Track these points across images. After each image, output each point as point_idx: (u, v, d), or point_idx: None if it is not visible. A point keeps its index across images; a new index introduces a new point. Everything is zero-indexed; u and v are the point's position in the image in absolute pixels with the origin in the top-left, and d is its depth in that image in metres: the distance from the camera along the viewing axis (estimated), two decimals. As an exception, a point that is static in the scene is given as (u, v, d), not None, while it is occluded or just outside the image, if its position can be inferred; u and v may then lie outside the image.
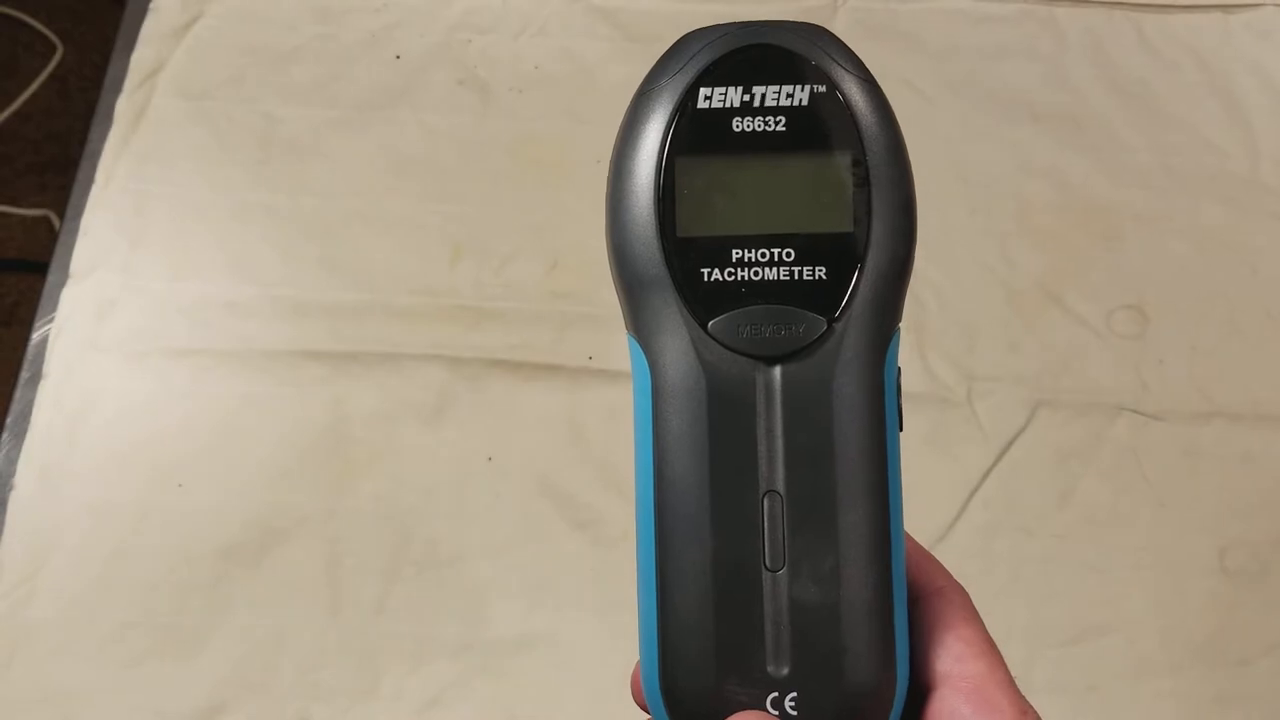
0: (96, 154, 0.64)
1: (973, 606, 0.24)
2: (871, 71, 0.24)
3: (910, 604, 0.24)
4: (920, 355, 0.59)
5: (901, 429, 0.23)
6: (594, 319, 0.60)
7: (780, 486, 0.22)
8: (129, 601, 0.53)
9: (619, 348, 0.60)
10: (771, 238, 0.23)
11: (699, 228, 0.23)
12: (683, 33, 0.25)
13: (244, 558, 0.54)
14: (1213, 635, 0.53)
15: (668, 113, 0.23)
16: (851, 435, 0.22)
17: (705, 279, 0.23)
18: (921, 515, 0.55)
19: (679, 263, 0.23)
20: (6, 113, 1.12)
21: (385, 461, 0.56)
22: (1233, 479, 0.57)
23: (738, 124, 0.23)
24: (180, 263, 0.61)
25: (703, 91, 0.23)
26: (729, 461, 0.22)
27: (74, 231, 0.62)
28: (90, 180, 0.63)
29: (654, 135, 0.23)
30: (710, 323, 0.23)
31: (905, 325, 0.66)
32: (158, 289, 0.60)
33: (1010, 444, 0.57)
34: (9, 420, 0.56)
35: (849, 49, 0.24)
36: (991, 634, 0.25)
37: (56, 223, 1.00)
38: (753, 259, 0.23)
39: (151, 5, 0.69)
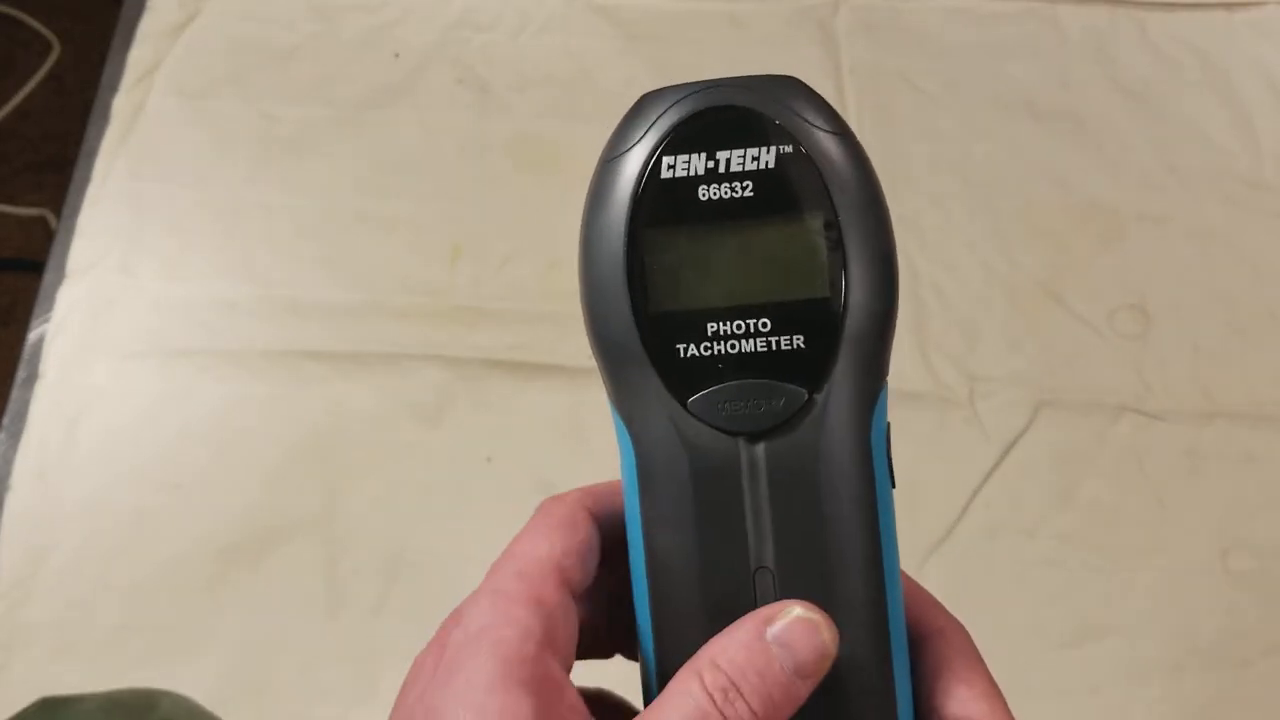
0: (93, 153, 0.64)
1: (973, 646, 0.24)
2: (845, 122, 0.23)
3: (910, 647, 0.24)
4: (922, 355, 0.59)
5: (894, 485, 0.23)
6: (594, 319, 0.59)
7: (770, 562, 0.22)
8: (127, 603, 0.52)
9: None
10: (746, 308, 0.22)
11: (672, 302, 0.22)
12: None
13: (242, 558, 0.53)
14: (1215, 637, 0.53)
15: (632, 184, 0.22)
16: (840, 504, 0.22)
17: (682, 355, 0.22)
18: (923, 516, 0.55)
19: (654, 339, 0.22)
20: (3, 111, 1.11)
21: (384, 462, 0.56)
22: (1235, 480, 0.57)
23: (704, 192, 0.22)
24: (178, 262, 0.61)
25: (665, 161, 0.22)
26: (717, 538, 0.22)
27: (71, 230, 0.61)
28: (87, 179, 0.63)
29: (619, 208, 0.22)
30: (690, 400, 0.22)
31: (907, 326, 0.65)
32: (155, 288, 0.60)
33: (1012, 444, 0.57)
34: (5, 421, 0.56)
35: (819, 100, 0.23)
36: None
37: (53, 222, 0.99)
38: (729, 331, 0.22)
39: (148, 3, 0.68)
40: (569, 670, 0.22)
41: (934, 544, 0.55)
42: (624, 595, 0.23)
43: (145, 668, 0.51)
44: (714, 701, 0.20)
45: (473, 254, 0.62)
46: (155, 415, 0.57)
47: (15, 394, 0.57)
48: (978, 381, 0.58)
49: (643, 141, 0.22)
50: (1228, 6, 0.71)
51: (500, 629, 0.21)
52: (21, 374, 0.57)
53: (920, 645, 0.24)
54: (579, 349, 0.59)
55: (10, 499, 0.54)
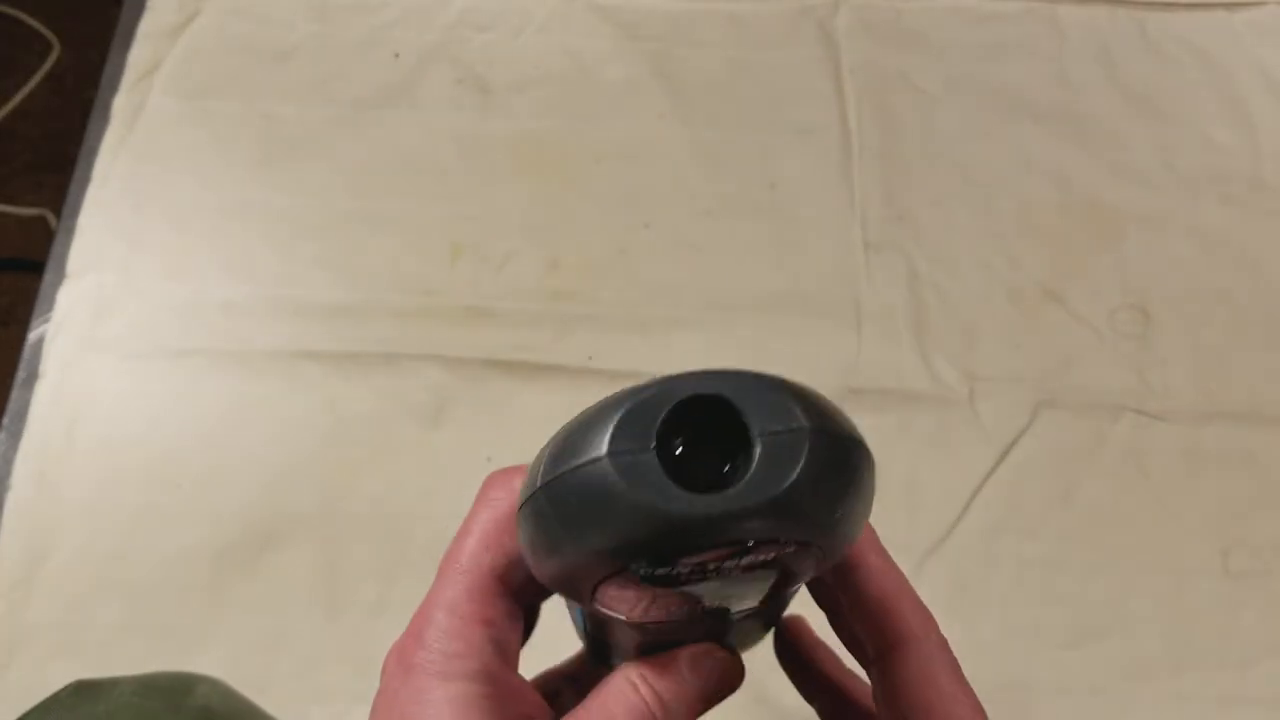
0: (93, 153, 0.64)
1: (949, 654, 0.24)
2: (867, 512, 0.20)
3: (887, 652, 0.24)
4: (922, 355, 0.59)
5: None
6: (594, 319, 0.59)
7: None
8: (126, 603, 0.52)
9: (619, 347, 0.59)
10: (710, 611, 0.22)
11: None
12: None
13: (242, 559, 0.53)
14: (1215, 637, 0.53)
15: (600, 577, 0.20)
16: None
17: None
18: (923, 516, 0.55)
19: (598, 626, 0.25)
20: (3, 111, 1.11)
21: (383, 462, 0.56)
22: (1235, 479, 0.57)
23: (691, 575, 0.19)
24: (178, 262, 0.61)
25: (660, 571, 0.19)
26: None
27: (70, 231, 0.61)
28: (87, 179, 0.63)
29: (595, 574, 0.20)
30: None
31: (907, 325, 0.65)
32: (155, 289, 0.60)
33: (1012, 444, 0.57)
34: (5, 421, 0.56)
35: (864, 493, 0.20)
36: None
37: (53, 222, 0.99)
38: (687, 613, 0.22)
39: (148, 3, 0.68)
40: (515, 665, 0.24)
41: (934, 544, 0.55)
42: None
43: (145, 668, 0.51)
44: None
45: (473, 254, 0.62)
46: (155, 415, 0.57)
47: (15, 394, 0.57)
48: (978, 381, 0.58)
49: (650, 582, 0.20)
50: (1228, 6, 0.71)
51: (463, 659, 0.22)
52: (21, 374, 0.57)
53: (894, 651, 0.24)
54: (579, 349, 0.59)
55: (10, 499, 0.54)
